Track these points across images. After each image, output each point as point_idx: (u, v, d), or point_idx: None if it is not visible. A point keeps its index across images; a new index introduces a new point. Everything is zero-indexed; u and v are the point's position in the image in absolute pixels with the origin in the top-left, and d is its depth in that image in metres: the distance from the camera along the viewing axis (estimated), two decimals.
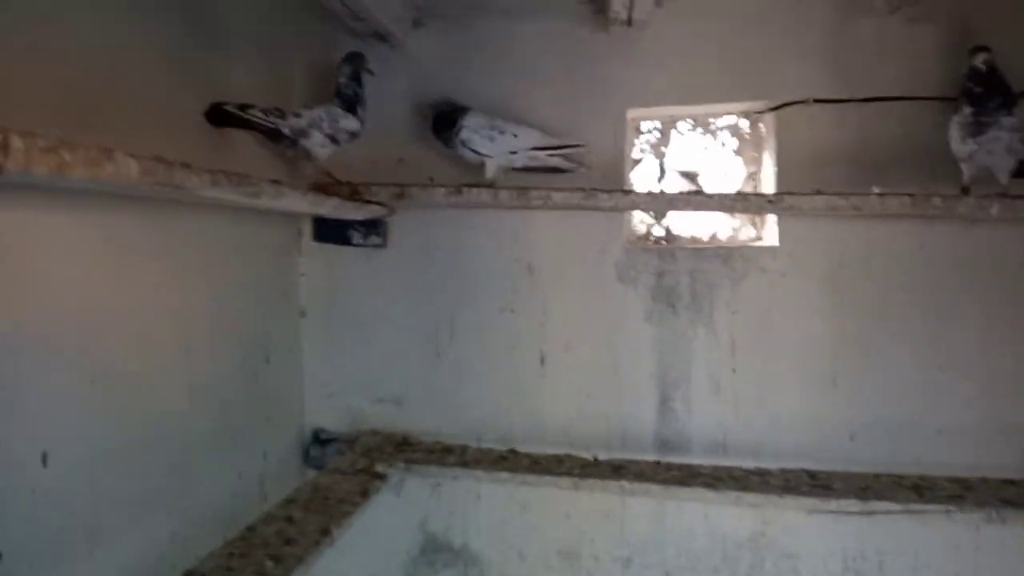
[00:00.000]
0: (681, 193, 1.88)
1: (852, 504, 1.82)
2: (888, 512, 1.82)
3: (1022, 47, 1.92)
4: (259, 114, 1.61)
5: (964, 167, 1.74)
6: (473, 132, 1.97)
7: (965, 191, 1.73)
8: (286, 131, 1.68)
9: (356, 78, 1.92)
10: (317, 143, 1.76)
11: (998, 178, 1.71)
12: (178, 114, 1.55)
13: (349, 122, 1.85)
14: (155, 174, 1.04)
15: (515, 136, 2.00)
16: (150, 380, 1.50)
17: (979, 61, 1.68)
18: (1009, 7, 1.95)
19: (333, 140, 1.81)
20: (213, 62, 1.69)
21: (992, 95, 1.66)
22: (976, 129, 1.67)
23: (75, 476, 1.30)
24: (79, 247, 1.32)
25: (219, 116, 1.58)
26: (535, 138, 2.03)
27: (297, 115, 1.72)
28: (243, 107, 1.59)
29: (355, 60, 1.93)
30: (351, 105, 1.87)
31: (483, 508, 2.24)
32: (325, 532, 1.58)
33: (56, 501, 1.26)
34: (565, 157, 2.06)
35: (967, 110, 1.69)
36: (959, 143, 1.72)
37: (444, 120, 2.02)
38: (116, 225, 1.41)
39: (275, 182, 1.39)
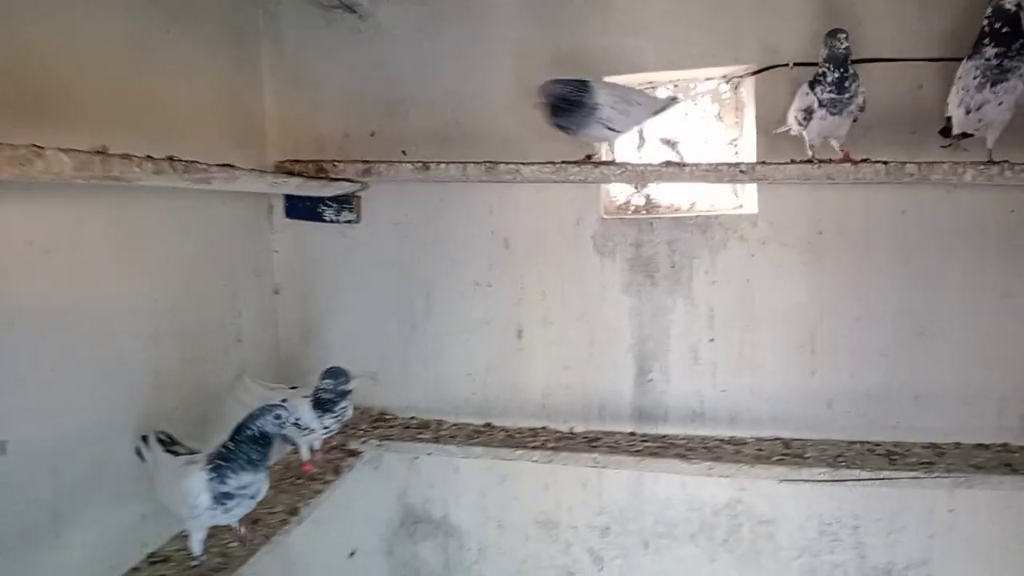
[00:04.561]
0: (652, 165, 1.83)
1: (823, 473, 1.84)
2: (859, 480, 1.83)
3: None
4: None
5: (965, 121, 1.59)
6: (610, 107, 1.70)
7: (990, 158, 1.62)
8: None
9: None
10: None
11: (987, 140, 1.60)
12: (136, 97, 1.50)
13: None
14: (90, 168, 1.01)
15: (639, 104, 1.76)
16: (114, 367, 1.49)
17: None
18: None
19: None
20: (176, 44, 1.63)
21: (1017, 36, 1.49)
22: (998, 75, 1.51)
23: (37, 464, 1.31)
24: (36, 237, 1.30)
25: None
26: (653, 105, 1.79)
27: None
28: None
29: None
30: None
31: (462, 480, 2.27)
32: (293, 512, 1.60)
33: (18, 488, 1.27)
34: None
35: (991, 51, 1.51)
36: (974, 92, 1.55)
37: (570, 101, 1.72)
38: (74, 213, 1.39)
39: (226, 166, 1.36)
